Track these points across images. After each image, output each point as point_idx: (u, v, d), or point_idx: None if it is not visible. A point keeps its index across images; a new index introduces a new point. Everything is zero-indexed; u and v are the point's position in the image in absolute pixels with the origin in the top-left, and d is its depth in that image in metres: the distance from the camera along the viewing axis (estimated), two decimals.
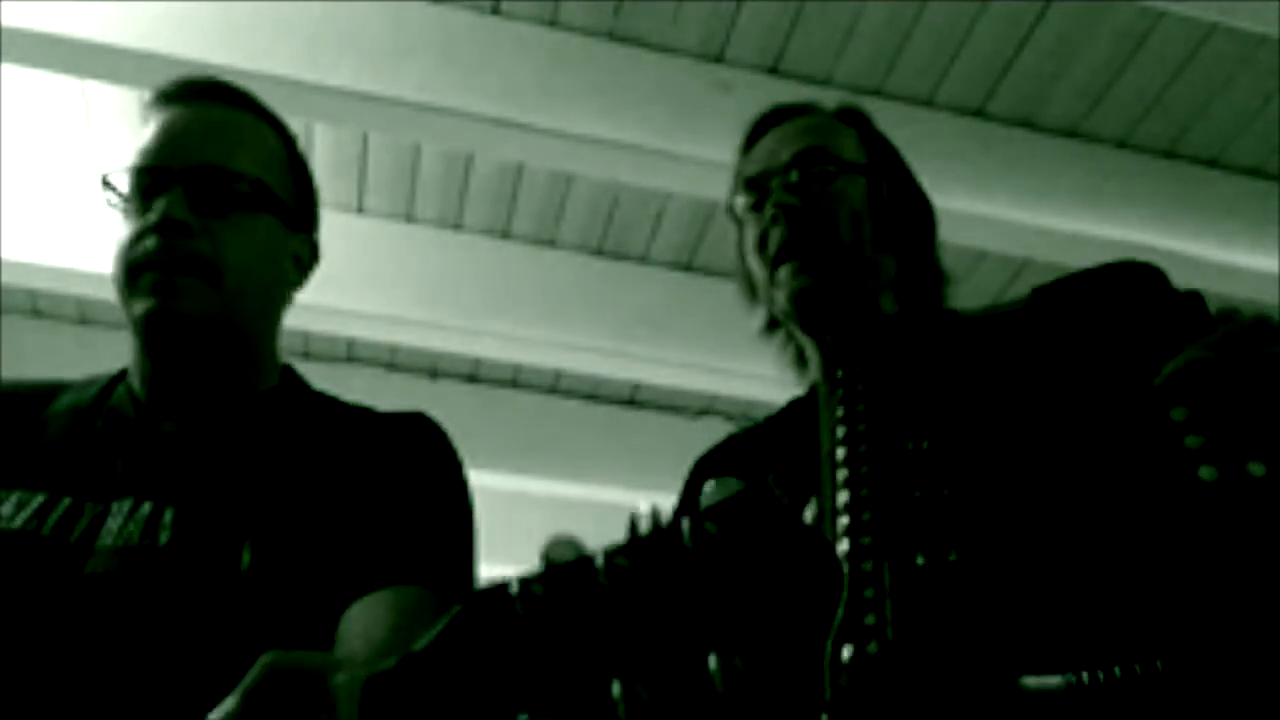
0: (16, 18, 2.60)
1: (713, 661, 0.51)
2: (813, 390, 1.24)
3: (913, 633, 0.66)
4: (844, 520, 0.71)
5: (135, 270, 1.11)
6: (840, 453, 0.77)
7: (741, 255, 1.28)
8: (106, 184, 1.15)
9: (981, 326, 0.94)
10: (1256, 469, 0.68)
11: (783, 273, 1.19)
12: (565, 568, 0.55)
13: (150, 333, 1.11)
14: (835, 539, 0.71)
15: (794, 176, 1.22)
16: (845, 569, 0.68)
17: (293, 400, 1.21)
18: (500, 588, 0.54)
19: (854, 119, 1.31)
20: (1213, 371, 0.73)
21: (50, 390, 1.19)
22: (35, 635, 0.97)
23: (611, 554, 0.55)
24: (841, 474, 0.75)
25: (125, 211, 1.14)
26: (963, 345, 0.91)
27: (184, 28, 2.72)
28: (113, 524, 1.04)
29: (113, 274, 1.14)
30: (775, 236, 1.20)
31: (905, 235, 1.25)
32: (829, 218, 1.19)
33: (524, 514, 4.60)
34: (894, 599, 0.67)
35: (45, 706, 0.93)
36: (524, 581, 0.54)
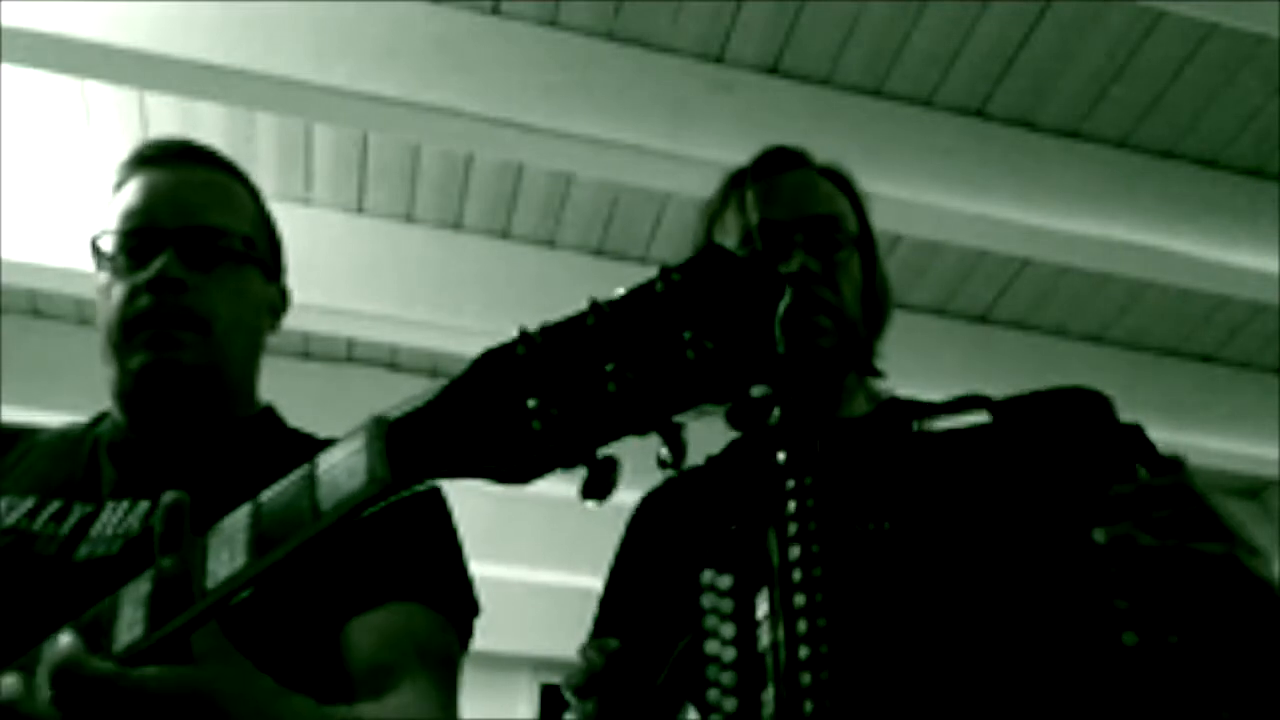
0: (16, 18, 2.60)
1: (687, 335, 0.64)
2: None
3: None
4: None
5: (131, 327, 1.14)
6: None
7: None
8: (94, 247, 1.19)
9: (939, 447, 0.98)
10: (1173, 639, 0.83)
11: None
12: (555, 323, 0.68)
13: (147, 383, 1.14)
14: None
15: (803, 238, 1.23)
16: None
17: (272, 427, 1.25)
18: (502, 344, 0.68)
19: (846, 186, 1.33)
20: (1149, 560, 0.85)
21: (28, 430, 1.23)
22: (22, 620, 0.97)
23: (593, 304, 0.68)
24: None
25: (114, 271, 1.18)
26: (919, 466, 0.97)
27: (184, 28, 2.72)
28: (109, 518, 1.07)
29: (102, 330, 1.17)
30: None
31: (880, 316, 1.29)
32: (839, 294, 1.22)
33: (524, 514, 4.60)
34: None
35: None
36: (522, 332, 0.68)
